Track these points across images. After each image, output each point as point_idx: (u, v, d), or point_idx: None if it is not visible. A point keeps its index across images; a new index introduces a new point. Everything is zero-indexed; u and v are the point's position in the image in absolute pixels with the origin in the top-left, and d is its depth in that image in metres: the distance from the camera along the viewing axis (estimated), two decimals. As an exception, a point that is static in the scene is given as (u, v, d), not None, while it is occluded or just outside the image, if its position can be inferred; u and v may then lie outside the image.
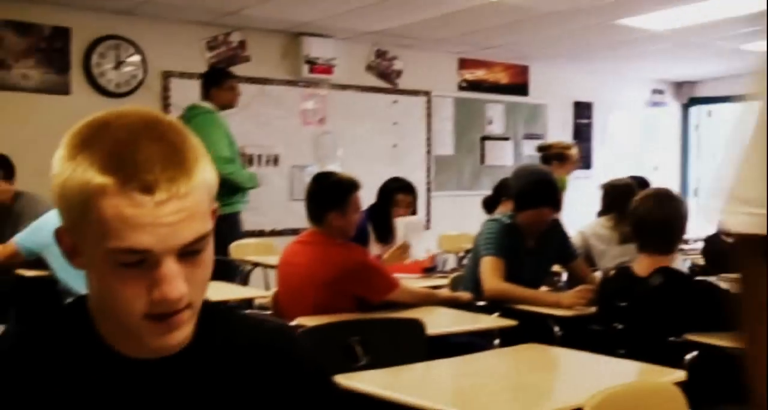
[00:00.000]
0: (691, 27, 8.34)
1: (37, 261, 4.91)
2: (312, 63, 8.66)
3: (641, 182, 6.24)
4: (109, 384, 1.31)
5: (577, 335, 4.07)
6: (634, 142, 12.00)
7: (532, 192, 4.73)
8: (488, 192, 6.63)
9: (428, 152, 9.94)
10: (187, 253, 1.23)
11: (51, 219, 4.85)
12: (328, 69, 8.79)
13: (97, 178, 1.18)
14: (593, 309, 4.23)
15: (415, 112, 9.79)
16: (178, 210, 1.20)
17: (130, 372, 1.32)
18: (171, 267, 1.21)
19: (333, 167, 8.33)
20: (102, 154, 1.20)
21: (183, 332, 1.28)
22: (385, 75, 9.49)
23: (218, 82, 7.00)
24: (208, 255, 1.27)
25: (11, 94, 7.19)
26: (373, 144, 9.38)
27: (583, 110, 11.51)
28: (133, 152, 1.19)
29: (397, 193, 5.87)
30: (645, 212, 3.89)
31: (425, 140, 9.90)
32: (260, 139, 8.41)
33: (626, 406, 2.51)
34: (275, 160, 8.57)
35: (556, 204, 4.77)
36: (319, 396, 1.47)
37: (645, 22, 8.11)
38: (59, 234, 1.28)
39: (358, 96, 9.25)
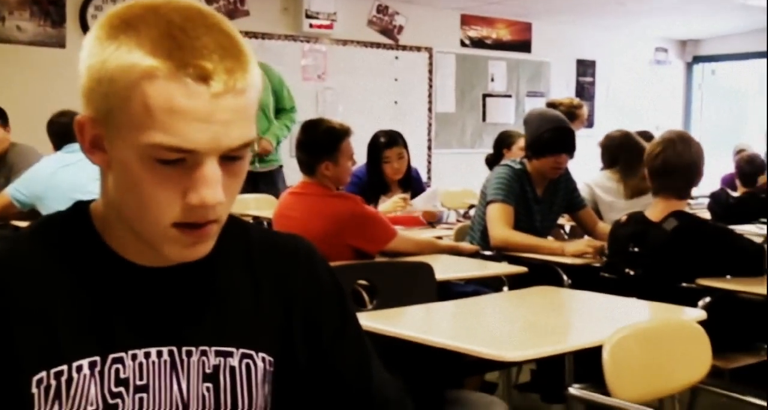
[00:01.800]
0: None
1: (33, 212, 4.81)
2: (312, 17, 8.54)
3: (647, 137, 6.12)
4: (118, 290, 1.21)
5: (587, 283, 3.96)
6: (636, 101, 11.92)
7: (553, 138, 4.52)
8: (490, 150, 6.52)
9: (430, 109, 9.86)
10: (229, 159, 1.13)
11: (43, 170, 4.75)
12: (328, 24, 8.67)
13: (146, 60, 1.06)
14: (603, 259, 4.14)
15: (416, 68, 9.69)
16: (233, 107, 1.09)
17: (140, 279, 1.22)
18: (214, 169, 1.11)
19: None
20: (152, 36, 1.07)
21: (207, 246, 1.18)
22: (386, 31, 9.36)
23: None
24: (245, 165, 1.17)
25: (5, 46, 7.07)
26: (375, 100, 9.28)
27: (586, 68, 11.44)
28: (190, 37, 1.08)
29: (384, 150, 5.59)
30: (674, 155, 3.72)
31: (427, 97, 9.83)
32: (260, 95, 8.23)
33: (648, 344, 2.42)
34: (275, 116, 8.42)
35: (573, 151, 4.61)
36: (338, 301, 1.40)
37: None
38: (80, 124, 1.15)
39: (359, 51, 9.14)
